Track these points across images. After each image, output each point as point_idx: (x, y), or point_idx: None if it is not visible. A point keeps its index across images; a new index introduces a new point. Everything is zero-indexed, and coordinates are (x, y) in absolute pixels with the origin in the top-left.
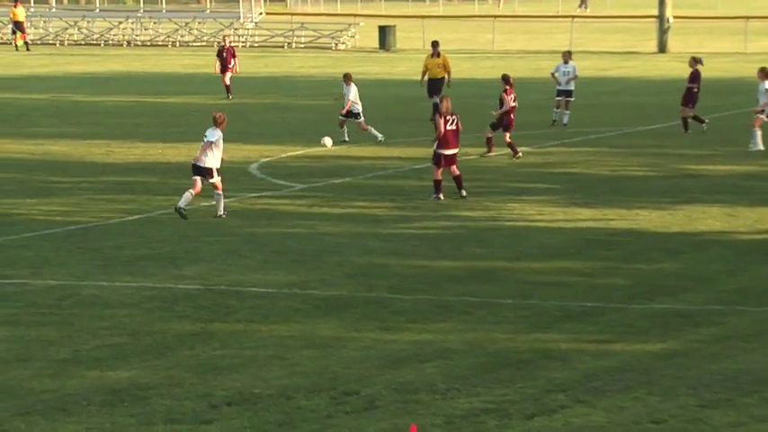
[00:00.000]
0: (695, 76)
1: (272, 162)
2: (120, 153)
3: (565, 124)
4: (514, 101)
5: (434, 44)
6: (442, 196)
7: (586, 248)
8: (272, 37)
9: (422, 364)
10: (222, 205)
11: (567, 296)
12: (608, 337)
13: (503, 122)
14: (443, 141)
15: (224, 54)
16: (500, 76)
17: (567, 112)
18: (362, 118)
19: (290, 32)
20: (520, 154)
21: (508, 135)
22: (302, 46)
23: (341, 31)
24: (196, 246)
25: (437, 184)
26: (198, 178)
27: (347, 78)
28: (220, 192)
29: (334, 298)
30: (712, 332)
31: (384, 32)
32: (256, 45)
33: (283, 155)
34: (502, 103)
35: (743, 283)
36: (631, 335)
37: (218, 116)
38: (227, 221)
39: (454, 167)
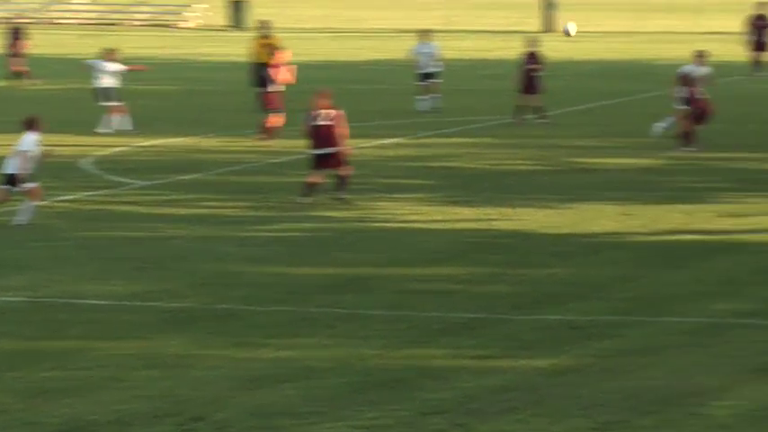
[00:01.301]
0: (534, 58)
1: (108, 156)
2: None
3: (437, 109)
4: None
5: (262, 24)
6: (304, 201)
7: (467, 252)
8: (105, 13)
9: (281, 384)
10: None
11: (445, 306)
12: (491, 353)
13: (265, 103)
14: (313, 140)
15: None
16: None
17: (438, 95)
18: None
19: (126, 8)
20: (270, 143)
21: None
22: (139, 24)
23: (184, 6)
24: (20, 252)
25: (305, 186)
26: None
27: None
28: (36, 203)
29: (180, 310)
30: (606, 346)
31: (236, 7)
32: (88, 22)
33: (122, 148)
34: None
35: (640, 291)
36: (517, 349)
37: (34, 120)
38: (55, 224)
39: (341, 168)
